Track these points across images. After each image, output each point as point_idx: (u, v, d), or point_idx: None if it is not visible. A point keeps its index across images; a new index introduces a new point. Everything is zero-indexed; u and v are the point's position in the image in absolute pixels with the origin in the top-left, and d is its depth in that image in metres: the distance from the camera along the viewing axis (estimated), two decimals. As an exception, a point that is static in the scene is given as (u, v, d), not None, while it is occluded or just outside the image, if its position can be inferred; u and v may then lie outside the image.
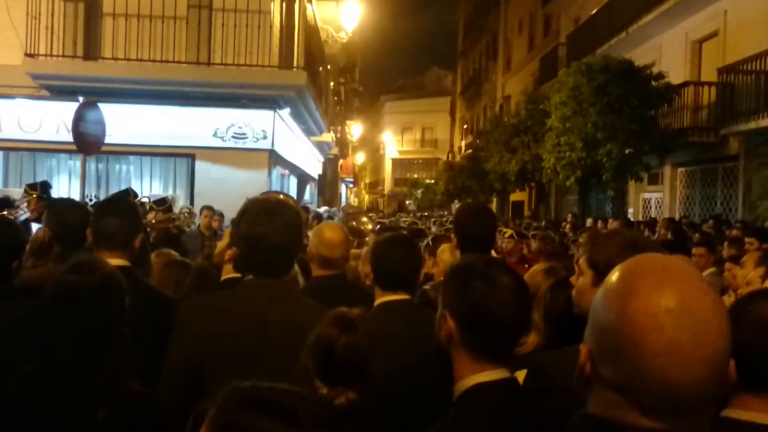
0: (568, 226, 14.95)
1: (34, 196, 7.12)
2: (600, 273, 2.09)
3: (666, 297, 1.04)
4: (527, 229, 11.49)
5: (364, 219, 8.25)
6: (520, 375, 2.04)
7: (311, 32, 18.26)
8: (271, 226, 2.26)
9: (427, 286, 3.01)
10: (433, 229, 12.64)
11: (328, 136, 22.65)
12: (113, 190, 12.61)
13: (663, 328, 1.02)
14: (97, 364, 1.96)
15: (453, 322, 1.72)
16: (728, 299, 4.84)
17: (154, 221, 7.34)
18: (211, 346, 2.17)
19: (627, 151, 13.73)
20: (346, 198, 53.19)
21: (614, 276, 1.14)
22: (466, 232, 3.23)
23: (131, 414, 1.91)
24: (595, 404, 1.12)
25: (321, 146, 23.58)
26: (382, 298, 2.69)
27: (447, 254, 3.78)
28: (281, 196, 8.13)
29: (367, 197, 73.69)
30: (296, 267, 3.82)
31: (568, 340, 2.26)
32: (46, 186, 7.62)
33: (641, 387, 1.04)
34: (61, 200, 4.23)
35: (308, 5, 18.11)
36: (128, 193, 8.14)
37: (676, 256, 1.13)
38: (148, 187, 12.79)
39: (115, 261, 2.78)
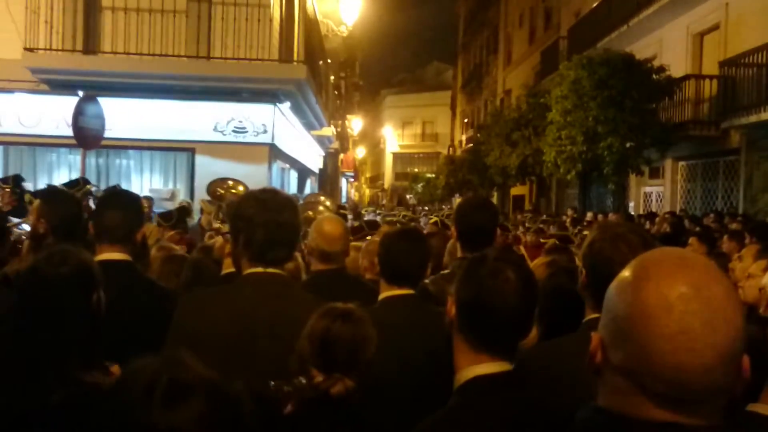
0: (568, 220, 14.93)
1: (8, 189, 7.11)
2: (582, 263, 2.17)
3: (679, 282, 1.04)
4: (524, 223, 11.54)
5: (321, 208, 8.06)
6: None
7: (311, 26, 18.22)
8: (268, 214, 2.26)
9: (427, 281, 2.99)
10: (422, 221, 12.71)
11: (328, 131, 22.63)
12: (114, 185, 12.62)
13: (674, 312, 1.02)
14: (58, 354, 1.96)
15: (455, 309, 1.76)
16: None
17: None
18: (206, 341, 2.15)
19: (628, 145, 13.71)
20: (347, 192, 53.17)
21: (629, 266, 1.14)
22: (466, 225, 3.20)
23: (84, 404, 1.91)
24: (604, 395, 1.12)
25: (321, 140, 23.56)
26: (386, 293, 2.68)
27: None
28: (231, 183, 7.89)
29: (367, 191, 73.69)
30: (300, 260, 3.81)
31: (558, 329, 2.30)
32: (18, 179, 7.59)
33: (650, 371, 1.03)
34: (56, 191, 4.22)
35: (308, -1, 18.06)
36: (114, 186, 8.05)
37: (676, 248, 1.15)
38: (148, 181, 12.80)
39: (115, 255, 2.77)
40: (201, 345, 2.13)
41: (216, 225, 7.38)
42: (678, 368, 1.01)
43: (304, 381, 1.94)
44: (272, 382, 1.92)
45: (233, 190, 9.63)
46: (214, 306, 2.29)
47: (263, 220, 2.25)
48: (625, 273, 1.12)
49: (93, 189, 8.01)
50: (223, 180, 10.38)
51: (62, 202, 3.47)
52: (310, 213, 7.22)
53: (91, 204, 7.91)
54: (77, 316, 2.05)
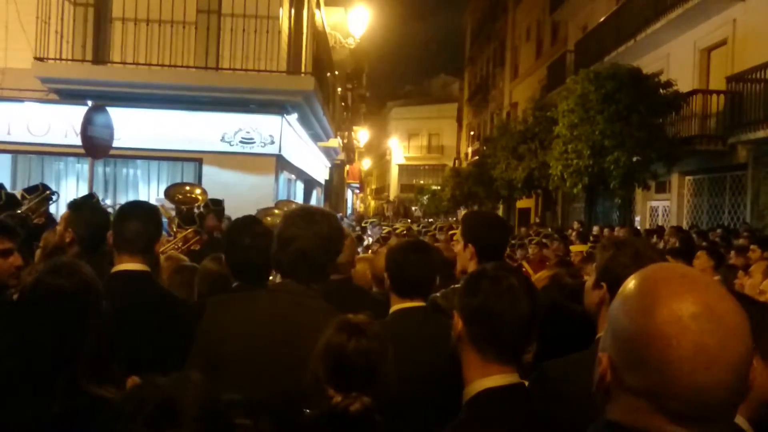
0: (574, 234, 14.90)
1: None
2: (600, 277, 2.18)
3: (689, 302, 1.05)
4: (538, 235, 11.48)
5: (276, 211, 7.93)
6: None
7: (319, 38, 18.32)
8: (304, 231, 2.31)
9: (437, 294, 3.00)
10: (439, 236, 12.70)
11: (334, 142, 22.69)
12: (121, 194, 12.67)
13: (689, 333, 1.03)
14: (61, 365, 1.97)
15: (461, 321, 1.78)
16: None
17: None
18: (225, 340, 2.22)
19: (634, 159, 13.70)
20: (352, 203, 53.21)
21: (632, 285, 1.13)
22: (484, 242, 3.16)
23: (86, 415, 1.91)
24: (617, 411, 1.11)
25: (328, 151, 23.63)
26: (398, 305, 2.68)
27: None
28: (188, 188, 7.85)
29: (372, 203, 73.73)
30: None
31: (552, 344, 2.30)
32: None
33: (670, 393, 1.04)
34: (87, 203, 4.25)
35: (316, 11, 18.17)
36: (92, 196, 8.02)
37: (679, 263, 1.14)
38: (155, 191, 12.83)
39: (135, 265, 2.80)
40: (218, 343, 2.22)
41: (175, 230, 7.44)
42: (697, 388, 1.02)
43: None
44: (307, 411, 1.93)
45: (190, 195, 9.72)
46: (236, 308, 2.35)
47: (289, 239, 2.34)
48: (631, 293, 1.12)
49: (54, 196, 8.02)
50: (181, 185, 10.45)
51: (91, 213, 3.49)
52: (269, 219, 7.18)
53: (51, 210, 7.90)
54: (83, 327, 2.05)
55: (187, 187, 10.19)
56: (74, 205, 3.88)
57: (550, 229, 16.02)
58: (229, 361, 2.14)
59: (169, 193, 9.93)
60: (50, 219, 7.58)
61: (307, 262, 2.33)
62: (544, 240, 10.70)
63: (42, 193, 7.72)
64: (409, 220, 30.34)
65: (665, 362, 1.03)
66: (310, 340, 2.03)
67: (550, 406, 1.93)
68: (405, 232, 10.84)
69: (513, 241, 11.71)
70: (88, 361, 2.03)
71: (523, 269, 6.22)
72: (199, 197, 9.93)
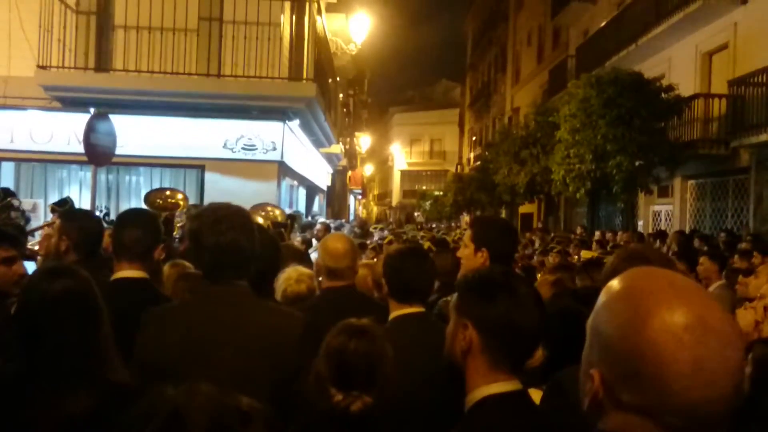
0: (576, 239, 14.86)
1: None
2: None
3: (680, 314, 1.01)
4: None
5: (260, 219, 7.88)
6: (535, 393, 2.03)
7: (321, 44, 18.33)
8: (235, 233, 2.26)
9: (448, 298, 2.99)
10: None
11: (337, 148, 22.70)
12: (124, 201, 12.68)
13: (685, 347, 0.99)
14: (76, 362, 2.00)
15: (475, 331, 1.75)
16: (743, 311, 4.80)
17: None
18: (165, 350, 2.19)
19: (637, 164, 13.68)
20: (355, 209, 53.21)
21: (617, 293, 1.10)
22: (498, 248, 3.12)
23: (115, 404, 1.93)
24: (610, 425, 1.08)
25: (330, 158, 23.63)
26: (397, 312, 2.66)
27: None
28: (168, 193, 7.71)
29: (375, 209, 73.74)
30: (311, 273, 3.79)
31: (565, 350, 2.30)
32: None
33: (669, 409, 1.00)
34: (79, 210, 4.27)
35: (318, 17, 18.20)
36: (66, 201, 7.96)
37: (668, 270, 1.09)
38: (157, 198, 12.86)
39: (133, 272, 2.80)
40: (158, 354, 2.19)
41: None
42: (697, 402, 0.99)
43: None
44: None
45: (171, 200, 9.67)
46: (173, 317, 2.32)
47: (227, 244, 2.26)
48: (618, 303, 1.08)
49: (15, 202, 7.93)
50: (161, 190, 10.41)
51: (83, 219, 3.49)
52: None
53: (11, 216, 7.82)
54: (90, 325, 2.07)
55: (168, 192, 10.14)
56: (66, 214, 3.89)
57: (572, 236, 15.91)
58: (171, 371, 2.07)
59: (149, 199, 9.88)
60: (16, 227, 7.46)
61: (248, 261, 2.32)
62: (564, 248, 10.49)
63: (3, 200, 7.62)
64: (433, 225, 30.35)
65: (663, 379, 1.00)
66: (252, 334, 2.02)
67: (564, 416, 1.92)
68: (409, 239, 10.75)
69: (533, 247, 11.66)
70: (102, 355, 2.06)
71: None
72: (181, 202, 9.89)
